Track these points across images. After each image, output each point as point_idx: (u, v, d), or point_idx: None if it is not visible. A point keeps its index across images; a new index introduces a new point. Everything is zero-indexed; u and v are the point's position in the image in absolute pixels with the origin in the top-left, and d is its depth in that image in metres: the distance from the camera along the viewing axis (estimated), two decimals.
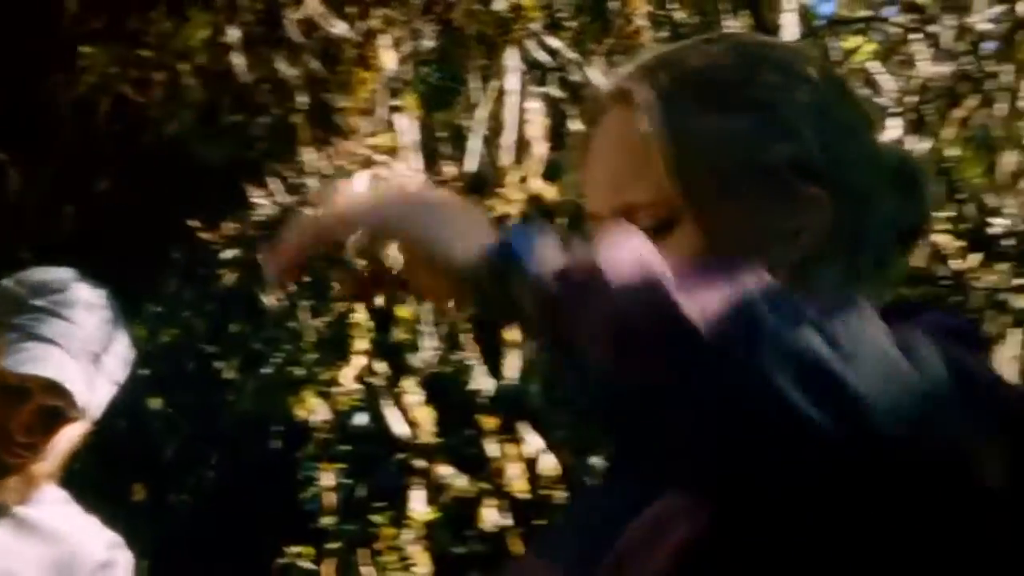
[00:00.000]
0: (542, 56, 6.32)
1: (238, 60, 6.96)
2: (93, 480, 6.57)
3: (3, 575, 3.73)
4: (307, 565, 6.57)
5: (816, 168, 1.91)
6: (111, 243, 7.68)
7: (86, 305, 3.62)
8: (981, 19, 5.74)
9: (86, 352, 3.52)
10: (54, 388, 3.45)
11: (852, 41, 6.16)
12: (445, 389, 6.35)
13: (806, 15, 6.19)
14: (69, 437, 3.58)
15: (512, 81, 6.29)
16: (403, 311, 6.16)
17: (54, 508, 3.74)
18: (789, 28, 5.96)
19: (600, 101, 2.00)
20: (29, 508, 3.67)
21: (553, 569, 1.95)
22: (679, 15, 6.26)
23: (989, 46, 5.75)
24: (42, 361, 3.47)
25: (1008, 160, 5.79)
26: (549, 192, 6.37)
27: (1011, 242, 5.80)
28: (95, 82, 7.82)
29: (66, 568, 3.72)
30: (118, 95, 7.89)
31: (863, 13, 6.24)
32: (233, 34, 6.93)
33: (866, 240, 1.99)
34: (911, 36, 5.88)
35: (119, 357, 3.63)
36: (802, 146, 1.92)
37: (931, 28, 5.75)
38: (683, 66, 1.97)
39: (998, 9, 5.76)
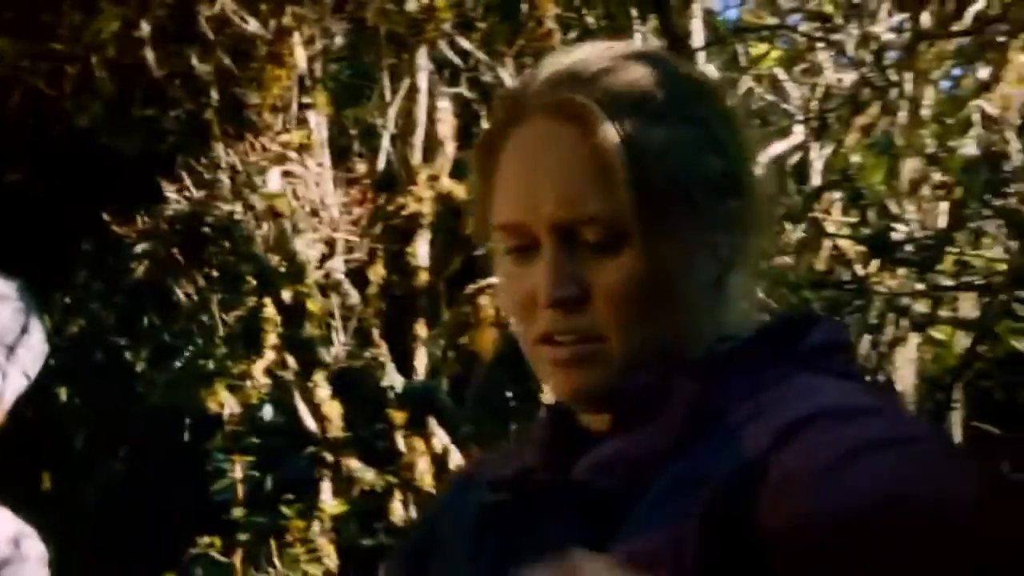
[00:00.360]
0: (453, 56, 6.27)
1: (150, 54, 6.86)
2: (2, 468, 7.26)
3: None
4: (217, 556, 6.67)
5: (738, 183, 1.87)
6: (21, 234, 7.53)
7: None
8: (884, 28, 5.67)
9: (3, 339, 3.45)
10: None
11: (759, 48, 6.12)
12: (355, 384, 6.31)
13: (714, 22, 6.19)
14: None
15: (423, 80, 6.31)
16: (313, 305, 6.06)
17: None
18: (697, 34, 5.87)
19: (521, 107, 1.87)
20: None
21: None
22: (589, 19, 6.21)
23: (892, 55, 5.70)
24: None
25: (910, 167, 5.73)
26: (459, 191, 6.40)
27: (912, 248, 5.71)
28: (5, 74, 7.75)
29: (9, 540, 3.47)
30: (29, 87, 7.81)
31: (769, 21, 6.17)
32: (145, 28, 6.83)
33: (763, 246, 1.97)
34: (816, 44, 5.87)
35: (32, 350, 3.36)
36: (729, 161, 1.88)
37: (835, 37, 5.68)
38: (618, 80, 1.86)
39: (900, 18, 5.67)
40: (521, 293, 1.85)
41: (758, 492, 1.63)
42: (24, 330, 3.37)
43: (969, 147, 6.00)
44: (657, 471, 1.77)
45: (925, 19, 5.69)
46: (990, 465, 1.89)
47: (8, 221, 7.85)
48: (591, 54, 1.91)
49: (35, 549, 3.45)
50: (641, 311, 1.80)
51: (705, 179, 1.83)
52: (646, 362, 1.83)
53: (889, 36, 5.83)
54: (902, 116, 5.74)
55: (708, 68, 5.99)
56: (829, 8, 6.00)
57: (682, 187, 1.80)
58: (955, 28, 5.89)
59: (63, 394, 8.20)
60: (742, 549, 1.63)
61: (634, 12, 6.32)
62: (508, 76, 6.26)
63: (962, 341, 6.10)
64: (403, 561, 2.07)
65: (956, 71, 6.45)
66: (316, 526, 6.60)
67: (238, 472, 6.83)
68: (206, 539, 6.74)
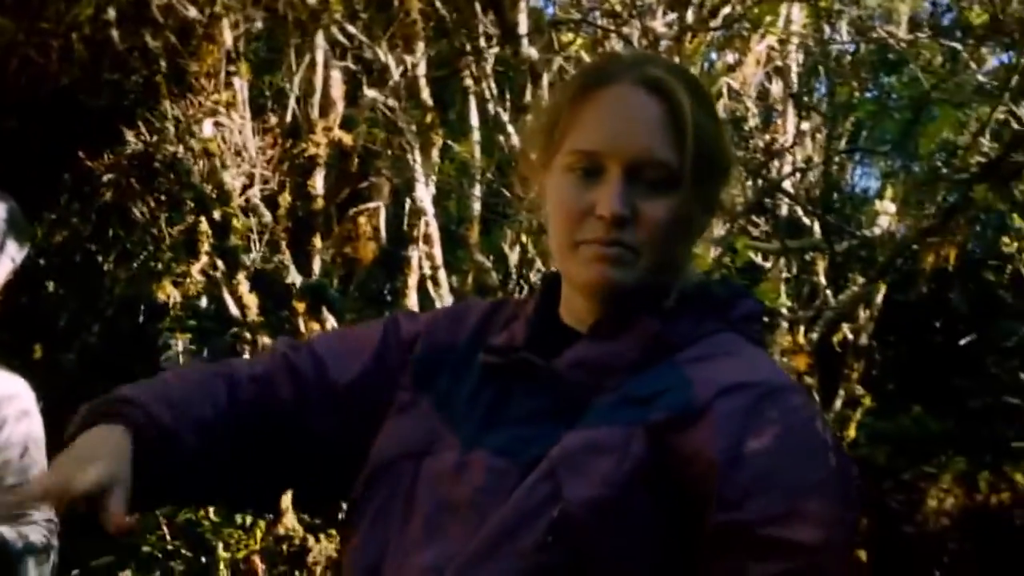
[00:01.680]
0: (342, 38, 6.51)
1: (115, 32, 7.14)
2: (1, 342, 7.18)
3: None
4: None
5: (728, 169, 2.20)
6: (16, 167, 7.56)
7: None
8: (659, 23, 5.77)
9: None
10: None
11: (568, 36, 6.23)
12: (267, 282, 6.60)
13: (536, 16, 6.29)
14: None
15: (320, 56, 6.57)
16: (237, 223, 6.36)
17: None
18: (522, 25, 5.97)
19: (615, 73, 2.13)
20: None
21: (474, 454, 2.08)
22: (443, 12, 6.39)
23: (665, 44, 5.72)
24: None
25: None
26: (347, 138, 6.75)
27: None
28: (5, 45, 8.10)
29: (14, 415, 3.91)
30: (23, 56, 8.18)
31: (575, 16, 6.24)
32: (111, 13, 7.10)
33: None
34: (610, 34, 5.96)
35: (16, 243, 3.90)
36: (731, 147, 2.27)
37: (624, 29, 5.78)
38: (680, 75, 2.16)
39: (672, 16, 5.82)
40: (580, 204, 2.06)
41: (695, 425, 1.93)
42: (8, 230, 3.85)
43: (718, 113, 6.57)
44: (616, 379, 2.04)
45: (690, 16, 5.84)
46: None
47: (7, 157, 7.84)
48: (649, 55, 2.43)
49: (27, 392, 4.02)
50: (667, 239, 2.06)
51: (723, 161, 2.14)
52: (651, 282, 2.09)
53: (663, 29, 5.78)
54: None
55: (531, 51, 6.04)
56: (619, 7, 5.84)
57: (712, 161, 2.09)
58: (711, 24, 5.95)
59: (51, 286, 8.55)
60: (668, 457, 1.94)
61: (478, 8, 6.23)
62: (382, 53, 6.28)
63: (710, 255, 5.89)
64: (425, 360, 2.26)
65: (712, 56, 6.60)
66: None
67: (180, 346, 7.24)
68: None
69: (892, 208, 6.16)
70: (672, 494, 1.92)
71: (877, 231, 6.03)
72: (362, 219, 6.66)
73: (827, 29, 6.69)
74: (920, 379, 8.86)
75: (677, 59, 5.55)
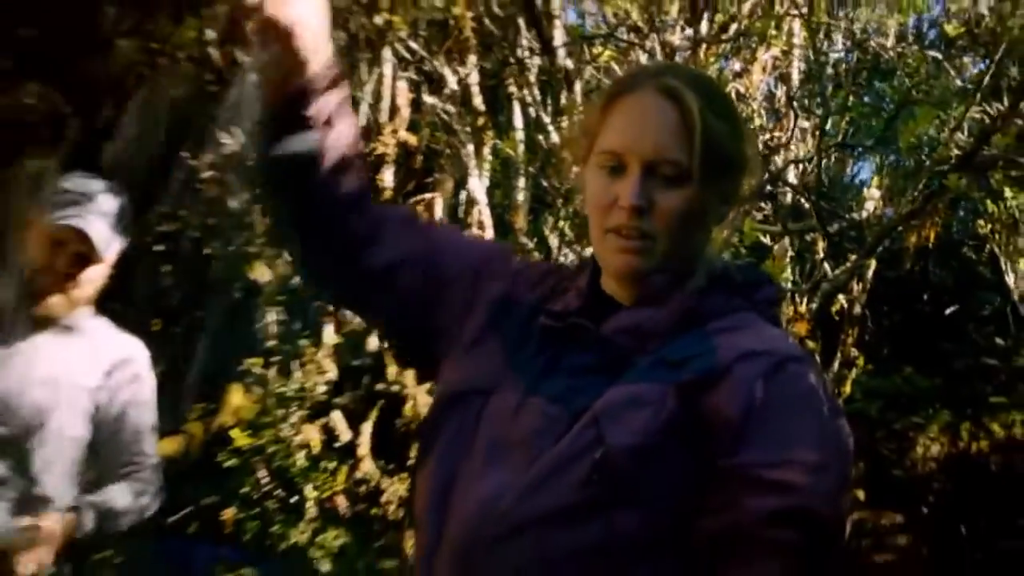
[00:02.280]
0: (405, 53, 6.71)
1: (213, 51, 7.41)
2: (126, 315, 8.00)
3: (55, 366, 3.95)
4: (259, 370, 6.99)
5: (747, 162, 2.25)
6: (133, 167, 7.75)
7: (103, 191, 3.94)
8: (676, 38, 6.10)
9: (103, 217, 3.88)
10: (83, 237, 3.83)
11: (598, 49, 6.51)
12: None
13: (570, 31, 6.59)
14: (96, 274, 3.93)
15: (387, 69, 6.72)
16: None
17: (89, 322, 4.03)
18: (558, 39, 6.32)
19: (637, 82, 2.20)
20: (71, 321, 3.97)
21: (531, 399, 2.13)
22: (491, 28, 6.58)
23: (681, 55, 6.03)
24: (75, 219, 3.83)
25: None
26: (411, 139, 6.84)
27: None
28: (125, 62, 8.34)
29: (99, 360, 3.99)
30: (139, 73, 8.35)
31: (604, 31, 6.55)
32: (210, 34, 7.36)
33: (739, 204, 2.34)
34: (634, 47, 6.22)
35: (125, 224, 3.97)
36: (747, 147, 2.26)
37: (647, 43, 6.05)
38: (698, 82, 2.19)
39: (689, 31, 6.05)
40: (607, 197, 2.12)
41: (717, 385, 2.00)
42: (121, 218, 3.93)
43: None
44: (654, 343, 2.10)
45: (703, 30, 6.09)
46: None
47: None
48: (673, 65, 2.37)
49: (143, 353, 4.08)
50: (679, 227, 2.11)
51: (734, 159, 2.17)
52: (671, 265, 2.13)
53: (680, 42, 6.07)
54: None
55: (566, 61, 6.28)
56: (641, 23, 6.13)
57: (723, 159, 2.11)
58: (722, 37, 6.18)
59: (166, 269, 8.50)
60: (694, 412, 2.00)
61: (521, 24, 6.47)
62: (439, 66, 6.49)
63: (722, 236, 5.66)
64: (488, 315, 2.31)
65: (724, 64, 6.60)
66: (322, 351, 6.89)
67: (272, 317, 7.22)
68: (252, 360, 6.99)
69: (877, 195, 6.37)
70: (696, 443, 1.99)
71: (865, 214, 6.21)
72: (420, 208, 6.59)
73: (824, 41, 6.87)
74: (910, 344, 8.95)
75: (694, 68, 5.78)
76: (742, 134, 2.21)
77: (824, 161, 6.62)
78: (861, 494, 7.14)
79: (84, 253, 3.84)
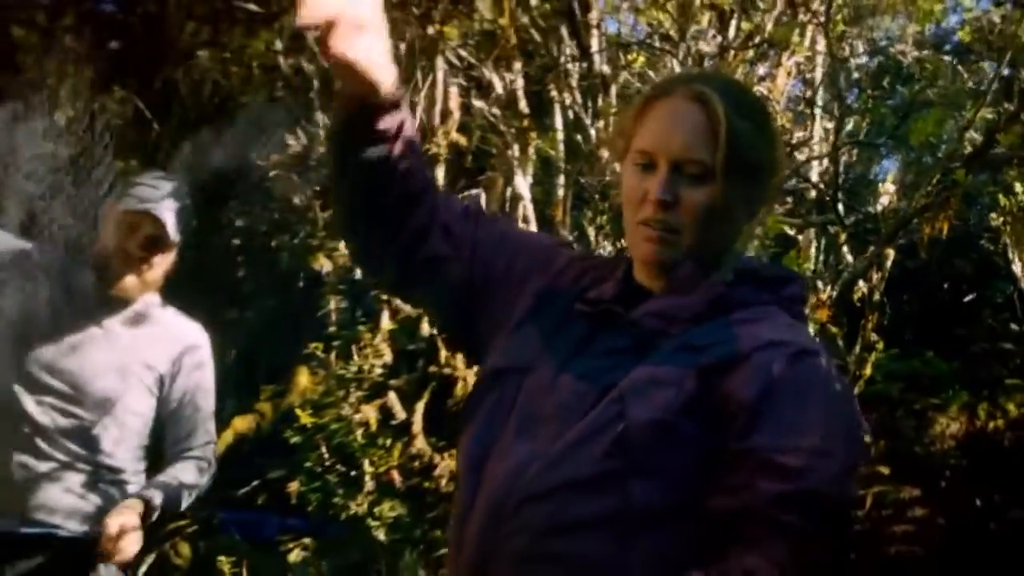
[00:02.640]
0: (456, 61, 6.78)
1: (281, 60, 7.56)
2: (204, 304, 8.10)
3: (126, 352, 4.06)
4: (320, 354, 7.14)
5: (770, 168, 2.26)
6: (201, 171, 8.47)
7: (173, 183, 4.07)
8: (705, 46, 6.16)
9: (172, 207, 3.99)
10: (156, 222, 3.94)
11: (633, 56, 6.60)
12: None
13: (607, 39, 6.67)
14: (165, 258, 4.04)
15: (440, 75, 6.74)
16: None
17: (158, 310, 4.14)
18: (595, 46, 6.46)
19: (664, 90, 2.24)
20: (142, 308, 4.08)
21: (562, 377, 2.17)
22: (536, 38, 6.67)
23: (710, 62, 6.06)
24: (149, 204, 3.95)
25: None
26: (462, 140, 6.95)
27: None
28: (204, 71, 8.69)
29: (167, 346, 4.10)
30: (215, 81, 8.74)
31: (638, 39, 6.66)
32: (279, 44, 7.49)
33: (770, 201, 2.35)
34: (667, 53, 6.30)
35: (188, 219, 4.06)
36: (773, 148, 2.27)
37: (678, 50, 6.11)
38: (724, 87, 2.22)
39: (719, 39, 6.10)
40: (639, 191, 2.16)
41: (735, 370, 2.05)
42: (185, 209, 4.04)
43: None
44: (680, 327, 2.14)
45: (731, 36, 6.17)
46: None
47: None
48: (706, 73, 2.49)
49: (206, 339, 4.21)
50: (703, 221, 2.14)
51: (757, 160, 2.18)
52: (696, 257, 2.17)
53: (708, 49, 6.14)
54: None
55: (603, 67, 6.42)
56: (672, 32, 6.23)
57: (746, 160, 2.14)
58: (749, 44, 6.23)
59: (241, 264, 8.94)
60: (712, 394, 2.05)
61: (564, 33, 6.54)
62: (487, 72, 6.60)
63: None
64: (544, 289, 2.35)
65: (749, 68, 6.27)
66: (379, 337, 7.00)
67: (333, 304, 7.34)
68: (313, 344, 7.17)
69: (892, 189, 6.54)
70: (713, 424, 2.03)
71: (880, 208, 6.34)
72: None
73: (847, 48, 7.02)
74: (931, 329, 9.04)
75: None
76: (769, 138, 2.23)
77: (846, 159, 6.74)
78: (886, 469, 7.17)
79: (156, 236, 3.95)
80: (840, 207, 6.13)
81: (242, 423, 7.94)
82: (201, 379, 4.12)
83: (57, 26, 9.50)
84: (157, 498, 3.84)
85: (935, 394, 8.26)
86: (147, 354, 4.03)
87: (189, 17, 9.07)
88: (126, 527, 3.72)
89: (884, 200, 6.59)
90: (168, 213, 3.94)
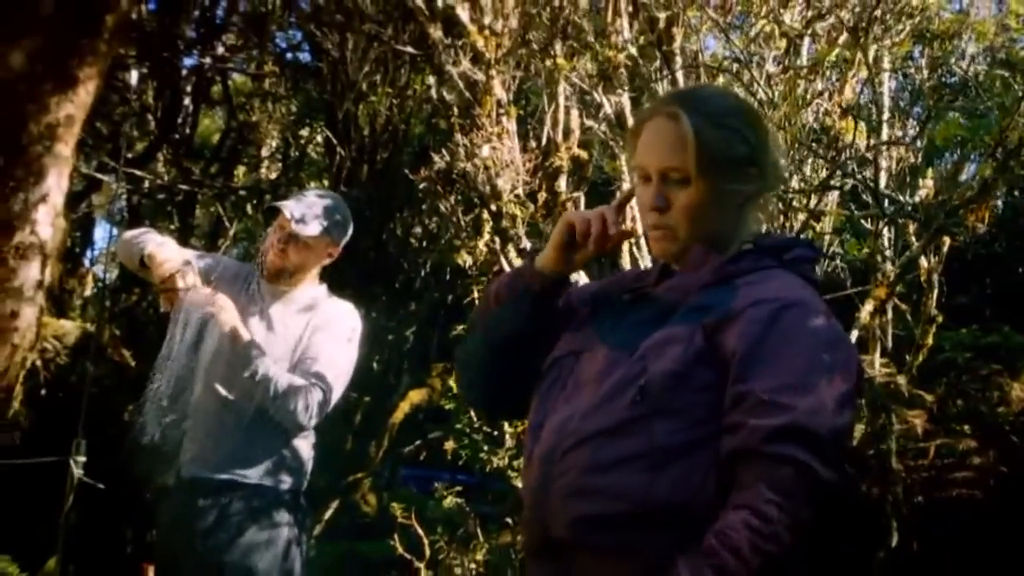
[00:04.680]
0: (571, 88, 6.81)
1: (433, 92, 7.70)
2: (385, 298, 8.23)
3: (280, 333, 4.22)
4: (463, 334, 6.59)
5: (754, 160, 2.31)
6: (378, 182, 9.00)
7: (322, 195, 4.28)
8: (772, 67, 6.24)
9: (319, 215, 4.19)
10: (289, 220, 4.11)
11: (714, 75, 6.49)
12: (529, 250, 6.56)
13: (695, 64, 6.63)
14: (304, 253, 4.24)
15: (561, 99, 6.94)
16: (506, 209, 6.52)
17: (311, 291, 4.31)
18: (679, 71, 6.41)
19: (649, 114, 2.34)
20: (294, 291, 4.28)
21: (602, 349, 2.28)
22: (642, 65, 6.60)
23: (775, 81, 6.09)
24: (285, 205, 4.16)
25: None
26: (583, 154, 7.17)
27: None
28: (374, 109, 9.25)
29: (319, 324, 4.25)
30: (387, 117, 9.32)
31: (715, 64, 6.73)
32: (430, 79, 7.67)
33: (767, 188, 2.37)
34: (743, 72, 6.30)
35: (342, 226, 4.25)
36: (750, 146, 2.31)
37: (749, 72, 6.16)
38: (698, 100, 2.29)
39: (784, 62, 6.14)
40: (642, 200, 2.30)
41: (732, 325, 2.15)
42: (336, 217, 4.25)
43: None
44: (693, 296, 2.25)
45: (804, 59, 6.35)
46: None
47: (377, 176, 9.24)
48: (686, 88, 2.66)
49: (358, 321, 4.32)
50: (693, 219, 2.27)
51: (733, 157, 2.27)
52: (703, 242, 2.29)
53: (773, 70, 6.29)
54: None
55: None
56: (744, 56, 6.28)
57: (719, 159, 2.24)
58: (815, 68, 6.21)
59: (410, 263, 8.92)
60: (716, 347, 2.15)
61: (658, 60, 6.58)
62: (598, 96, 6.66)
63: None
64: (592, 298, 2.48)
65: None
66: None
67: (476, 294, 7.33)
68: (460, 327, 7.37)
69: (930, 183, 6.78)
70: (718, 371, 2.12)
71: (917, 199, 6.51)
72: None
73: (911, 65, 7.26)
74: (1009, 307, 9.24)
75: (788, 92, 6.04)
76: (747, 137, 2.29)
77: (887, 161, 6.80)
78: (968, 428, 7.54)
79: (293, 232, 4.18)
80: (886, 200, 6.31)
81: (417, 395, 8.59)
82: (327, 337, 4.22)
83: (263, 73, 10.12)
84: (229, 319, 4.09)
85: (1011, 364, 8.34)
86: (296, 329, 4.23)
87: (364, 61, 9.51)
88: (166, 261, 4.05)
89: (922, 193, 6.75)
90: (312, 221, 4.14)
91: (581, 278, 6.16)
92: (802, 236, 5.79)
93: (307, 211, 4.16)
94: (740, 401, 2.08)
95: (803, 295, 2.20)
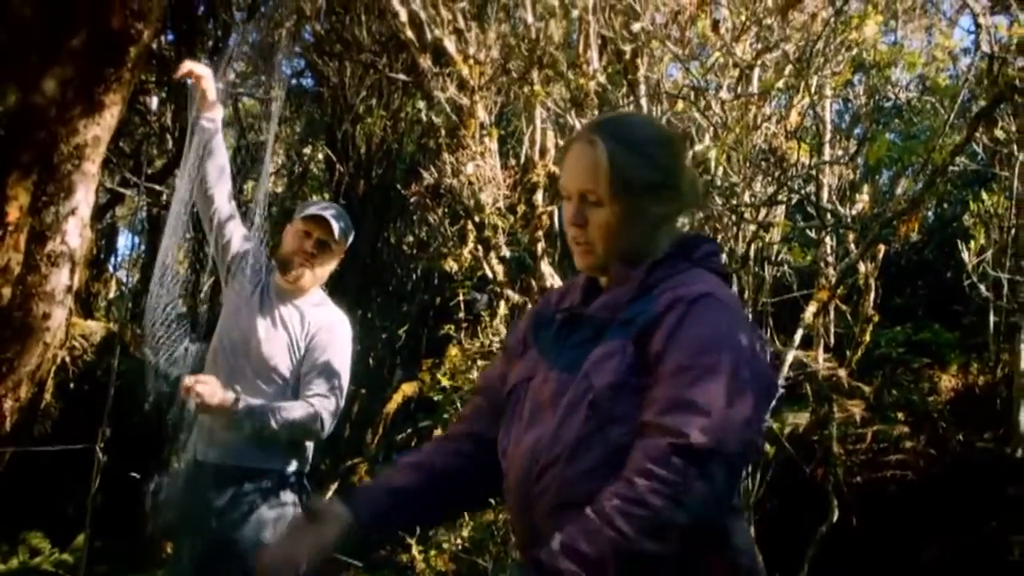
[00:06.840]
0: (546, 112, 6.70)
1: (423, 115, 7.76)
2: (380, 301, 8.06)
3: (283, 330, 4.08)
4: (452, 334, 7.27)
5: (667, 184, 2.24)
6: (373, 195, 9.00)
7: (334, 206, 4.15)
8: (725, 94, 6.02)
9: (337, 218, 4.06)
10: (326, 227, 4.02)
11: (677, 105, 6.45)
12: (510, 258, 6.68)
13: (655, 90, 6.59)
14: (330, 260, 4.13)
15: (538, 121, 6.85)
16: (490, 220, 6.48)
17: (315, 294, 4.20)
18: (643, 95, 6.37)
19: (575, 138, 2.26)
20: (302, 293, 4.16)
21: (551, 372, 2.23)
22: (610, 91, 6.71)
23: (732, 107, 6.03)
24: (322, 211, 4.05)
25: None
26: (558, 171, 6.67)
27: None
28: (369, 129, 9.14)
29: (320, 333, 4.12)
30: (382, 137, 9.20)
31: (675, 91, 6.54)
32: (421, 104, 7.68)
33: (683, 208, 2.31)
34: (699, 99, 6.11)
35: (349, 229, 4.13)
36: (662, 171, 2.24)
37: (706, 99, 6.05)
38: (618, 128, 2.22)
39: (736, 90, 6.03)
40: (565, 216, 2.26)
41: (654, 332, 2.10)
42: (348, 232, 4.09)
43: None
44: (621, 312, 2.18)
45: (755, 87, 6.16)
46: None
47: (376, 191, 9.12)
48: (612, 115, 2.33)
49: (348, 327, 4.15)
50: (608, 237, 2.21)
51: (646, 182, 2.19)
52: (622, 258, 2.22)
53: (727, 97, 6.09)
54: None
55: (652, 109, 6.36)
56: (702, 83, 6.19)
57: (632, 183, 2.17)
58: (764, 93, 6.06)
59: (403, 269, 8.89)
60: (644, 354, 2.10)
61: (625, 87, 6.55)
62: (571, 119, 6.54)
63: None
64: (529, 329, 2.40)
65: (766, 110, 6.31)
66: (497, 320, 7.10)
67: (461, 296, 7.47)
68: (449, 326, 7.35)
69: (867, 197, 6.84)
70: (651, 374, 2.08)
71: (854, 212, 6.55)
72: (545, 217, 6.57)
73: (850, 91, 7.22)
74: (938, 307, 9.26)
75: (740, 117, 5.91)
76: (661, 162, 2.22)
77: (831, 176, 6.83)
78: (902, 415, 7.54)
79: (324, 240, 4.05)
80: (828, 213, 6.37)
81: (408, 388, 8.39)
82: (331, 352, 4.10)
83: (270, 97, 9.91)
84: (245, 403, 3.89)
85: (940, 359, 8.40)
86: (297, 331, 4.09)
87: (361, 87, 9.48)
88: (208, 389, 3.82)
89: (860, 206, 6.74)
90: (335, 222, 4.05)
91: (555, 280, 6.47)
92: (756, 243, 6.01)
93: (336, 218, 4.09)
94: (655, 397, 2.07)
95: (706, 288, 2.15)
